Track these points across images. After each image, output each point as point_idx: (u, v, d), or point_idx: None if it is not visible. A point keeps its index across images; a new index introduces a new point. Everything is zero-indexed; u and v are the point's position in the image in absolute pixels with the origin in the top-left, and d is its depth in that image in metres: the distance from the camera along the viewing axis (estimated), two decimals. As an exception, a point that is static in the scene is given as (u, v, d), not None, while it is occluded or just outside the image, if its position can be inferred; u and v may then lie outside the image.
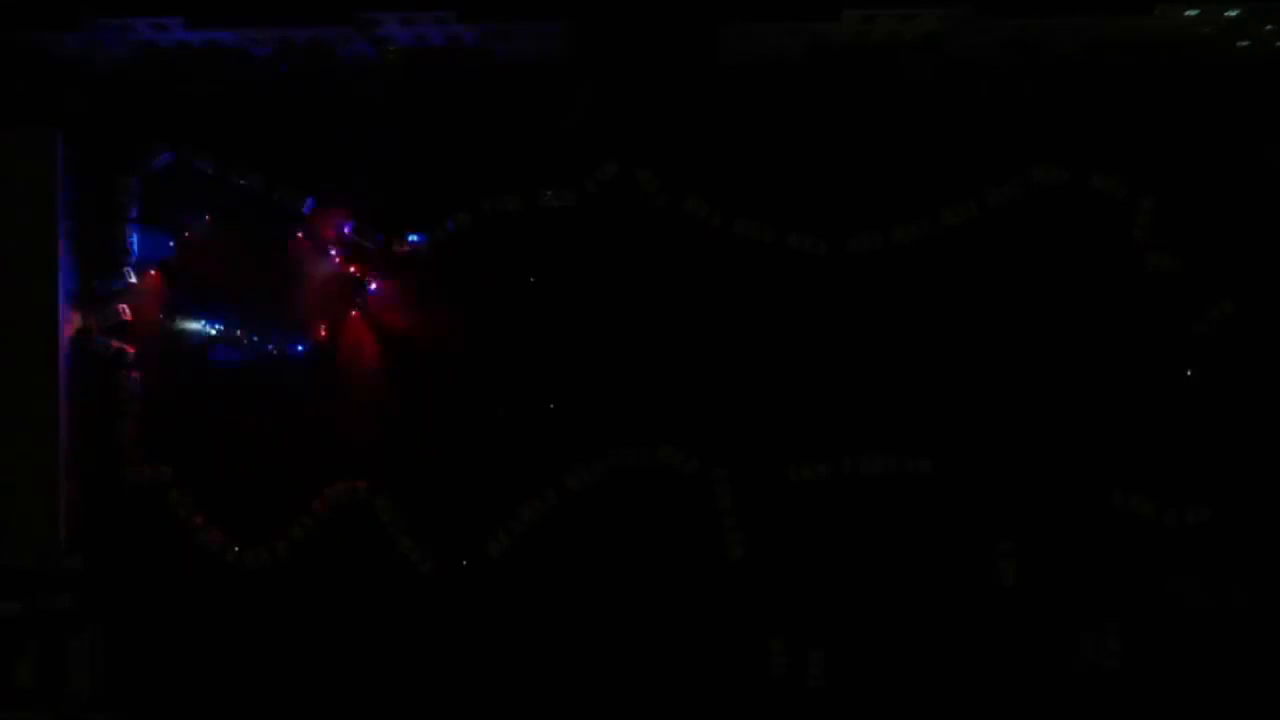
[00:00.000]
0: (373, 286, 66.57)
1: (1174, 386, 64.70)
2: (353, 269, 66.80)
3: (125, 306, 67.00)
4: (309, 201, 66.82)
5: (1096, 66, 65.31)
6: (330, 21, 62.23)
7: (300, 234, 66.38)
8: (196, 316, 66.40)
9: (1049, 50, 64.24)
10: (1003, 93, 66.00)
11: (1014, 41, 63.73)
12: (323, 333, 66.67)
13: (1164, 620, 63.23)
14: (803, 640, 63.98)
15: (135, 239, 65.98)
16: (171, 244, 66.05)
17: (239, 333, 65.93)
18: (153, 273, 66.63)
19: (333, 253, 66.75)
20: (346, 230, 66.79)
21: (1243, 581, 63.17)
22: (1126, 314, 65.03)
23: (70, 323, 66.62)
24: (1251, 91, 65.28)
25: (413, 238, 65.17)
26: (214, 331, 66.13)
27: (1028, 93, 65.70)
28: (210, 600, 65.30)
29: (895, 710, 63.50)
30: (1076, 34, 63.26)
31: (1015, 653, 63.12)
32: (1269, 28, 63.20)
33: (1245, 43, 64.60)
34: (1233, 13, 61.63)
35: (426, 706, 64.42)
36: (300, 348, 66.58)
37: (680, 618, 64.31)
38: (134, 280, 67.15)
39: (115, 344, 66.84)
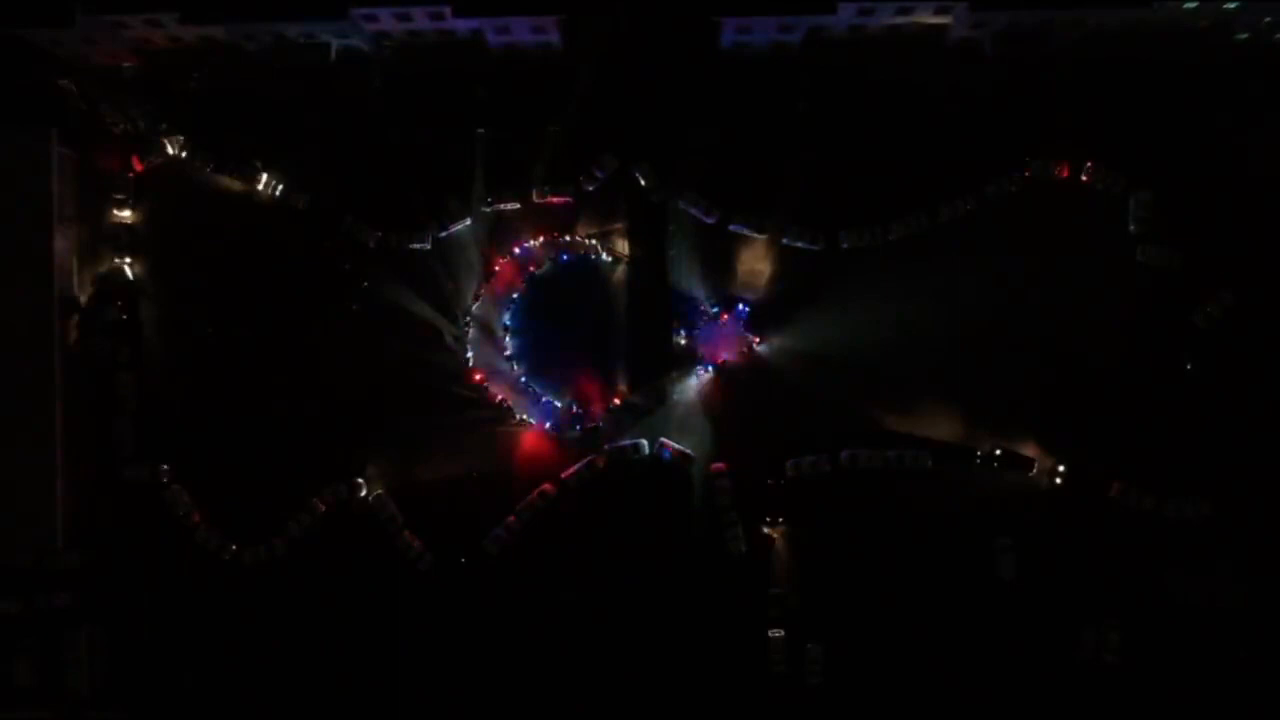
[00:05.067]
0: (366, 285, 67.39)
1: (1173, 380, 64.76)
2: (349, 266, 67.51)
3: (123, 304, 67.48)
4: (306, 197, 67.37)
5: (1095, 60, 65.41)
6: (325, 17, 62.36)
7: (299, 233, 66.85)
8: (194, 314, 66.67)
9: (1047, 44, 64.27)
10: (1001, 86, 66.04)
11: (1012, 35, 63.77)
12: (322, 331, 67.38)
13: (1164, 615, 63.26)
14: (803, 634, 64.41)
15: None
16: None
17: (237, 330, 66.32)
18: (151, 271, 67.71)
19: (330, 248, 67.38)
20: (344, 226, 67.27)
21: (1242, 577, 63.31)
22: (1125, 307, 65.00)
23: (68, 322, 66.91)
24: (1250, 84, 65.49)
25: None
26: (212, 329, 66.64)
27: (1026, 86, 65.77)
28: (208, 598, 65.27)
29: (895, 706, 63.91)
30: (1075, 27, 63.19)
31: (1016, 648, 63.13)
32: (1268, 20, 63.10)
33: (1244, 35, 64.52)
34: (1232, 5, 61.52)
35: (426, 704, 64.78)
36: (298, 346, 67.09)
37: (680, 614, 64.80)
38: (132, 279, 67.64)
39: (113, 342, 67.30)
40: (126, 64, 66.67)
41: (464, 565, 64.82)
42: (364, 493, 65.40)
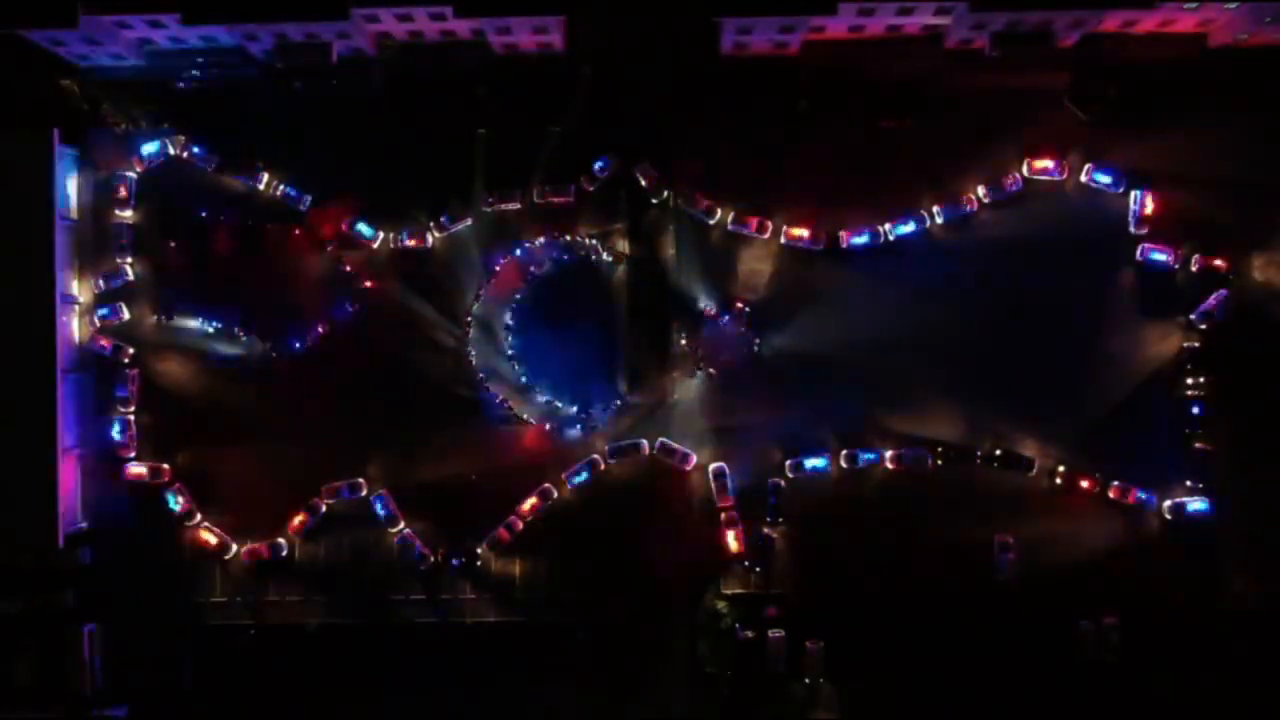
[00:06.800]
0: (368, 284, 67.41)
1: (1173, 380, 64.83)
2: (349, 266, 67.51)
3: (124, 305, 67.44)
4: (307, 198, 67.44)
5: (1096, 58, 65.47)
6: (327, 17, 62.43)
7: (299, 231, 66.87)
8: (195, 315, 67.00)
9: (1047, 42, 64.31)
10: (1001, 86, 66.16)
11: (1012, 35, 63.78)
12: (321, 330, 67.39)
13: (1164, 615, 63.16)
14: (803, 634, 64.38)
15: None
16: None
17: (237, 330, 66.83)
18: (151, 271, 67.55)
19: (330, 249, 67.46)
20: (345, 227, 67.33)
21: (1242, 577, 63.28)
22: (1125, 307, 64.98)
23: (69, 322, 66.96)
24: (1249, 84, 65.46)
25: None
26: (212, 330, 67.06)
27: (1025, 85, 65.89)
28: (209, 597, 65.52)
29: (895, 705, 63.83)
30: (1075, 26, 63.24)
31: (1016, 648, 62.95)
32: (1268, 20, 63.10)
33: (1244, 35, 64.55)
34: (1232, 5, 61.51)
35: (426, 703, 64.66)
36: (298, 345, 67.26)
37: (679, 613, 64.89)
38: (132, 278, 67.68)
39: (114, 342, 67.34)
40: (128, 64, 67.02)
41: (463, 565, 65.08)
42: (364, 492, 65.58)
